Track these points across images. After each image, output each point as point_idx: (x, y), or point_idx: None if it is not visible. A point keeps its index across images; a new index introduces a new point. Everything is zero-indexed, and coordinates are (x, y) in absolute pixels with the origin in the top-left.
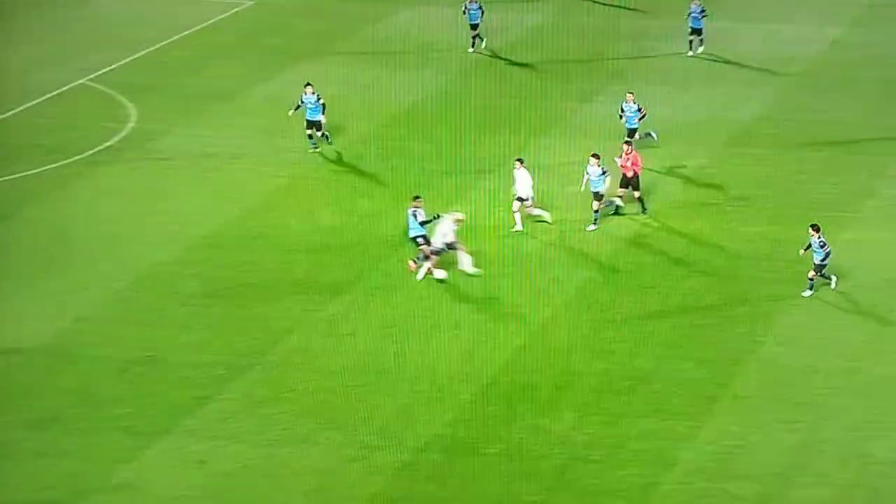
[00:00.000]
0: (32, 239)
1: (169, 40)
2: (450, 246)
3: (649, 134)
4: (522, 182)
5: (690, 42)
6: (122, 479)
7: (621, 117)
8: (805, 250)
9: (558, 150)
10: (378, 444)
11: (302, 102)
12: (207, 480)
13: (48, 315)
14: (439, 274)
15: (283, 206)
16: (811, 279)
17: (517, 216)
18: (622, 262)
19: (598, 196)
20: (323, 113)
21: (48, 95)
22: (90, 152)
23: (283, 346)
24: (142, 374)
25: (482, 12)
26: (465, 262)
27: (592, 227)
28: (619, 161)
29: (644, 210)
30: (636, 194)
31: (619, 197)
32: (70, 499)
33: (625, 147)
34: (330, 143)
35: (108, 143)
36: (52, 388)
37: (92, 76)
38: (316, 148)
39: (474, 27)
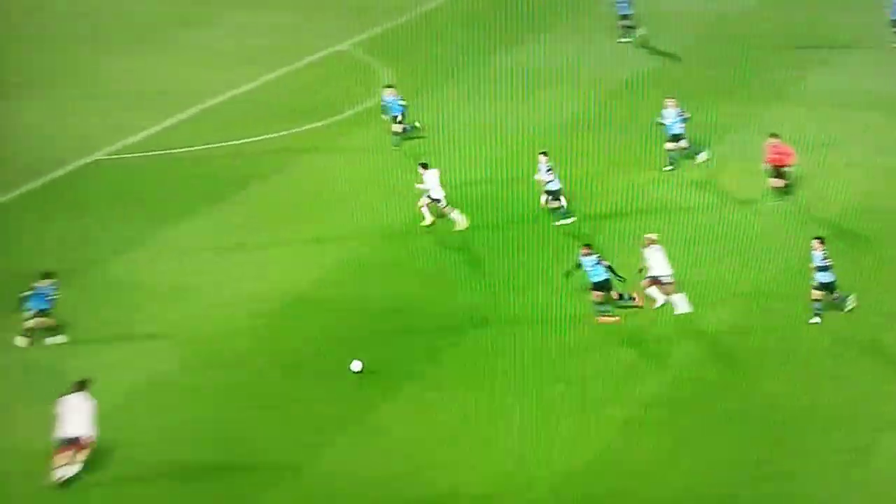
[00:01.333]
0: (296, 192)
1: (420, 10)
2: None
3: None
4: None
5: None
6: (372, 424)
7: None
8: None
9: None
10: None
11: None
12: (444, 427)
13: (305, 265)
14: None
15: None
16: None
17: None
18: None
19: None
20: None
21: (309, 59)
22: (347, 114)
23: (521, 302)
24: (388, 324)
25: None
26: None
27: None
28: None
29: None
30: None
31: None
32: (327, 441)
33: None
34: None
35: (362, 106)
36: (300, 334)
37: (348, 42)
38: None
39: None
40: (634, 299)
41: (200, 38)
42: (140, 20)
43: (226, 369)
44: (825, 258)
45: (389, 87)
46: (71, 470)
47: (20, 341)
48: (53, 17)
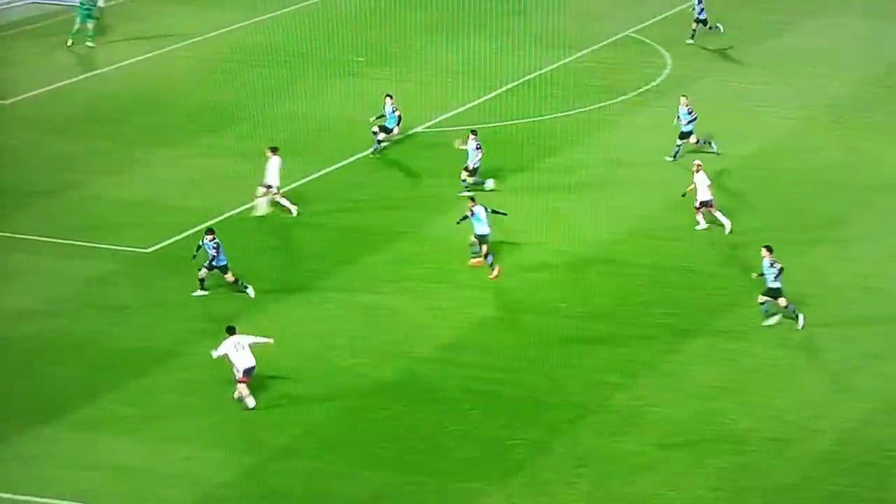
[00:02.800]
0: (589, 162)
1: None
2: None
3: (709, 142)
4: None
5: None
6: (667, 369)
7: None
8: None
9: None
10: None
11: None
12: (740, 376)
13: (607, 228)
14: None
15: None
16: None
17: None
18: None
19: None
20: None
21: (602, 43)
22: (633, 93)
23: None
24: (675, 282)
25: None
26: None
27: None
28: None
29: None
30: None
31: None
32: (624, 380)
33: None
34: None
35: (647, 86)
36: (601, 290)
37: (635, 28)
38: None
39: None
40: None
41: (518, 24)
42: (473, 8)
43: (539, 315)
44: (773, 265)
45: (389, 96)
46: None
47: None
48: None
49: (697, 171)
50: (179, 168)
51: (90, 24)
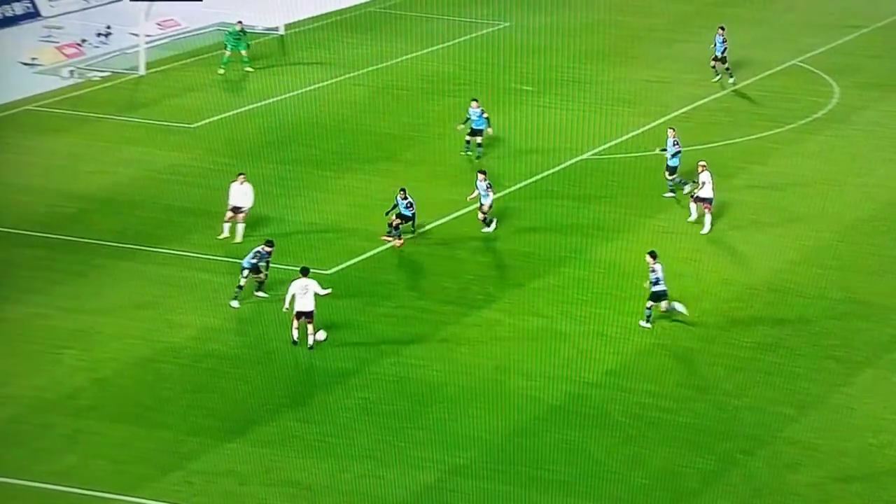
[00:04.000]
0: (755, 191)
1: (870, 27)
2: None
3: (684, 182)
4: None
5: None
6: (837, 401)
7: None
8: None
9: None
10: None
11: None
12: None
13: (774, 257)
14: None
15: None
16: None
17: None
18: None
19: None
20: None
21: (768, 72)
22: (800, 122)
23: None
24: (843, 312)
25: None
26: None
27: None
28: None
29: None
30: None
31: None
32: (795, 412)
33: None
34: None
35: (814, 115)
36: (769, 319)
37: (802, 57)
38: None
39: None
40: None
41: (682, 51)
42: (636, 37)
43: (706, 343)
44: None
45: (474, 100)
46: (310, 338)
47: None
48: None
49: (702, 171)
50: (356, 193)
51: (243, 51)
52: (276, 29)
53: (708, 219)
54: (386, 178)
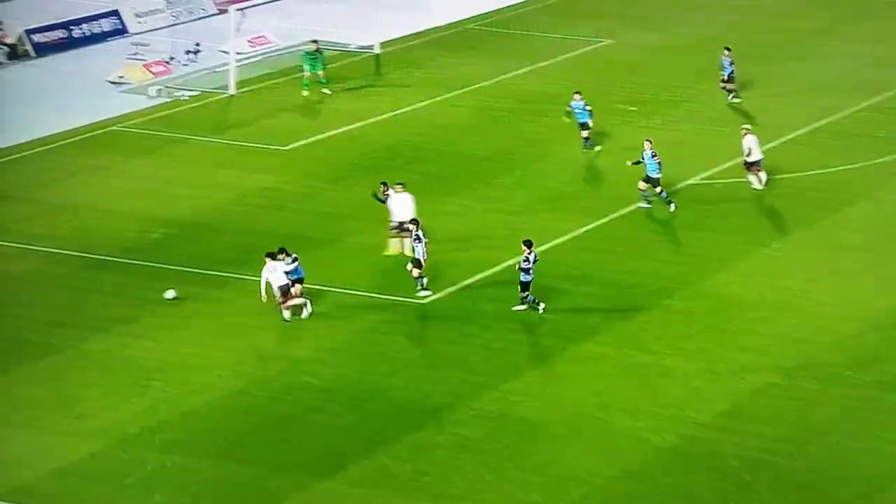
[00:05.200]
0: (876, 219)
1: None
2: None
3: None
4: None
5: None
6: None
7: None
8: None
9: None
10: None
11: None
12: None
13: (891, 290)
14: None
15: None
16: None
17: None
18: None
19: None
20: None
21: (887, 94)
22: None
23: None
24: None
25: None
26: None
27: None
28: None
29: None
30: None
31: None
32: None
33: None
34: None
35: None
36: (890, 357)
37: None
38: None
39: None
40: None
41: (799, 70)
42: (748, 55)
43: (822, 383)
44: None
45: (577, 93)
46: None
47: None
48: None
49: (746, 134)
50: (452, 219)
51: (320, 72)
52: (372, 47)
53: (763, 176)
54: (483, 203)
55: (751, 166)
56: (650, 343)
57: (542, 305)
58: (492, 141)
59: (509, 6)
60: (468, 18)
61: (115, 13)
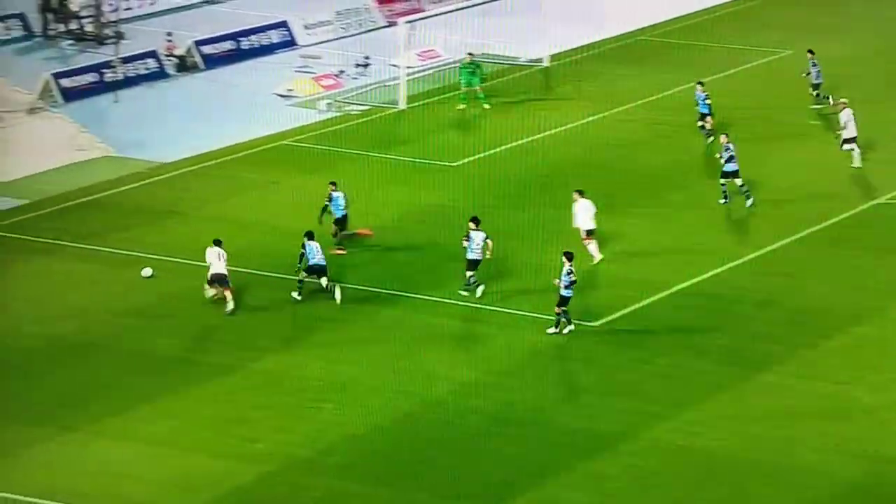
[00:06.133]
0: None
1: None
2: None
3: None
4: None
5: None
6: None
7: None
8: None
9: None
10: None
11: None
12: None
13: None
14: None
15: None
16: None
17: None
18: None
19: None
20: None
21: None
22: None
23: None
24: None
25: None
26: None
27: None
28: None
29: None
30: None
31: None
32: None
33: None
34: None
35: None
36: None
37: None
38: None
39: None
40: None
41: None
42: None
43: None
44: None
45: (699, 83)
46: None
47: None
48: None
49: (843, 108)
50: (622, 239)
51: (478, 86)
52: (541, 60)
53: (857, 153)
54: (653, 222)
55: (846, 142)
56: (836, 373)
57: (570, 327)
58: (663, 157)
59: (683, 16)
60: (640, 30)
61: (284, 24)
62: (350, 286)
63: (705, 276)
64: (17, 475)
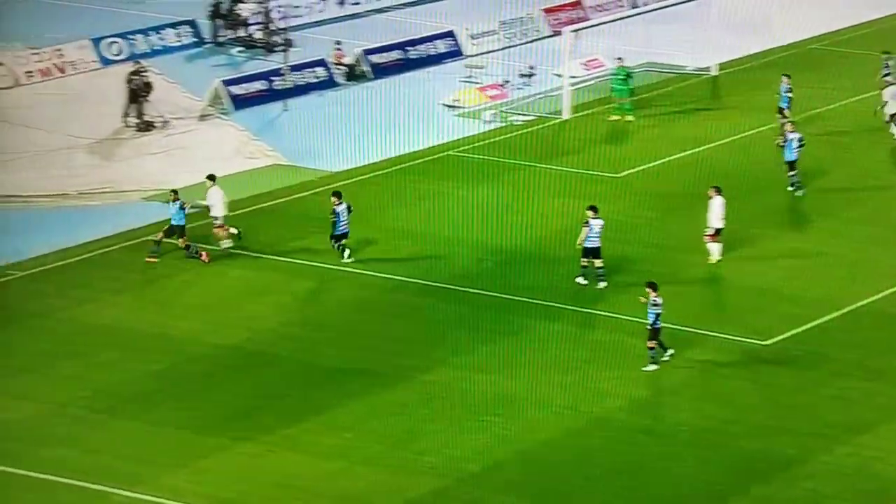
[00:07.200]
0: None
1: None
2: None
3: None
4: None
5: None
6: None
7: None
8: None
9: None
10: None
11: None
12: None
13: None
14: None
15: None
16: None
17: None
18: None
19: None
20: None
21: None
22: None
23: None
24: None
25: None
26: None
27: None
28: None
29: None
30: None
31: None
32: None
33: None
34: None
35: None
36: None
37: None
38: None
39: None
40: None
41: None
42: None
43: None
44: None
45: (785, 75)
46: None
47: None
48: None
49: (888, 85)
50: (792, 254)
51: (625, 97)
52: (709, 69)
53: None
54: (825, 238)
55: (892, 118)
56: None
57: (668, 352)
58: (834, 171)
59: (855, 25)
60: (810, 38)
61: (451, 34)
62: (511, 297)
63: (882, 294)
64: (189, 485)
